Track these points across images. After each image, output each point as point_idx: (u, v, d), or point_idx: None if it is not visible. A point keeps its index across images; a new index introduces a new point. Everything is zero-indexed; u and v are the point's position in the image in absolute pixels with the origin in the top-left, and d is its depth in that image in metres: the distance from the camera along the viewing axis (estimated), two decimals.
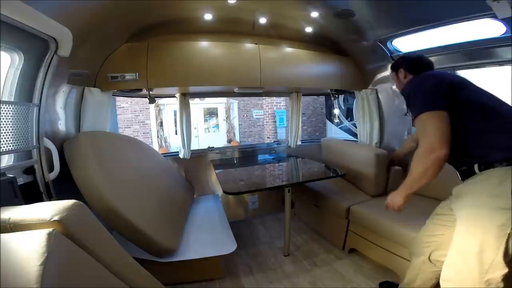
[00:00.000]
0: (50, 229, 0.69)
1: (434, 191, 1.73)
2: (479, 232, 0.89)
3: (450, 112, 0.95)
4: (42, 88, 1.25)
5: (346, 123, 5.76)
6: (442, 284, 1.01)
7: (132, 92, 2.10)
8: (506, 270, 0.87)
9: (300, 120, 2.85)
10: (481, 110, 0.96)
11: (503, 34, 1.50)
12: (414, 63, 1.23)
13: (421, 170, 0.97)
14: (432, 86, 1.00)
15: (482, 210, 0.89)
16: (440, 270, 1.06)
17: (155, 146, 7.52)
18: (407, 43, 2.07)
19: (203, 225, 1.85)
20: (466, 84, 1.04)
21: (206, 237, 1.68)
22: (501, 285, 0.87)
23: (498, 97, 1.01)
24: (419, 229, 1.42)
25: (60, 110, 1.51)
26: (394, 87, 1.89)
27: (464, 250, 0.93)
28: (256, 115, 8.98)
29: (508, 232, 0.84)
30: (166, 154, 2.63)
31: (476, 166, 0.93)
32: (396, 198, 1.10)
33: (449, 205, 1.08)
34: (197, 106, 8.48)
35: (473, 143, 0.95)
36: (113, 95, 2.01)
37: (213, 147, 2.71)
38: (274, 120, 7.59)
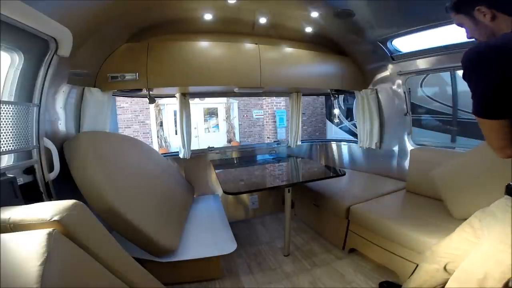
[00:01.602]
0: (50, 229, 0.69)
1: (432, 191, 1.73)
2: (490, 263, 0.87)
3: None
4: (42, 88, 1.25)
5: (346, 123, 5.76)
6: None
7: (132, 92, 2.09)
8: None
9: (300, 120, 2.85)
10: None
11: None
12: None
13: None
14: (503, 80, 0.67)
15: (504, 246, 0.83)
16: None
17: (155, 146, 7.52)
18: (407, 43, 2.07)
19: (203, 225, 1.85)
20: None
21: (206, 237, 1.68)
22: None
23: None
24: (418, 229, 1.44)
25: (60, 110, 1.51)
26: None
27: (471, 272, 0.92)
28: (256, 115, 8.98)
29: None
30: (166, 154, 2.63)
31: None
32: None
33: (481, 216, 0.99)
34: (197, 106, 8.48)
35: None
36: (113, 95, 2.01)
37: (213, 147, 2.70)
38: (274, 120, 7.58)
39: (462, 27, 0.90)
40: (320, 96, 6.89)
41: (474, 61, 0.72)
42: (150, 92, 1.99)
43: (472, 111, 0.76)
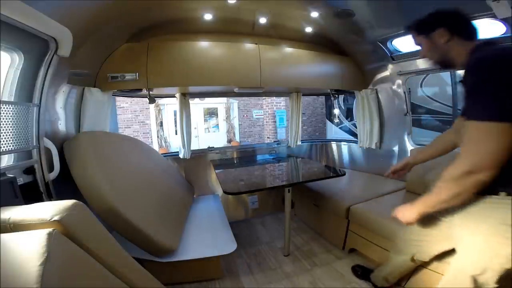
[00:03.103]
0: (50, 229, 0.69)
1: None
2: (480, 256, 0.87)
3: None
4: (42, 88, 1.25)
5: (346, 123, 5.76)
6: None
7: (132, 92, 2.09)
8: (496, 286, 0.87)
9: (300, 120, 2.85)
10: None
11: (503, 34, 1.50)
12: (463, 21, 0.90)
13: (454, 192, 0.81)
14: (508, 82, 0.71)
15: (501, 238, 0.82)
16: (418, 266, 1.20)
17: (155, 146, 7.52)
18: (407, 43, 2.07)
19: (203, 225, 1.85)
20: None
21: (206, 237, 1.68)
22: None
23: None
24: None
25: (60, 110, 1.51)
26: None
27: (462, 270, 0.93)
28: (256, 115, 8.98)
29: None
30: (166, 154, 2.63)
31: (504, 192, 0.80)
32: (407, 214, 1.00)
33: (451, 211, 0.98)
34: (197, 106, 8.48)
35: None
36: (113, 95, 2.00)
37: (213, 147, 2.70)
38: (274, 120, 7.59)
39: (420, 46, 1.00)
40: (320, 96, 6.89)
41: (484, 73, 0.73)
42: (150, 92, 1.99)
43: (474, 116, 0.75)
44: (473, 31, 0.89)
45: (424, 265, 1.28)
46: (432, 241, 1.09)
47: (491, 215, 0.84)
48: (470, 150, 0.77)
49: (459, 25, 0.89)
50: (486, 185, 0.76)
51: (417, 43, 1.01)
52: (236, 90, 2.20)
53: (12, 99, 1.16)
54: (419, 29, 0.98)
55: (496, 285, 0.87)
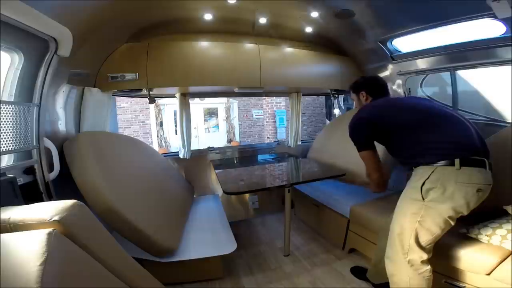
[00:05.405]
0: (50, 229, 0.69)
1: None
2: (400, 216, 1.11)
3: (389, 132, 1.22)
4: (42, 88, 1.25)
5: None
6: (385, 260, 1.19)
7: (132, 92, 2.09)
8: (424, 254, 1.04)
9: (300, 120, 2.85)
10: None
11: (503, 34, 1.50)
12: (375, 87, 1.44)
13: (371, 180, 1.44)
14: (363, 130, 1.28)
15: (405, 199, 1.13)
16: None
17: (155, 146, 7.52)
18: (407, 43, 2.07)
19: (203, 225, 1.85)
20: (396, 111, 1.24)
21: (206, 237, 1.68)
22: (424, 267, 1.05)
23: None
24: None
25: (60, 110, 1.51)
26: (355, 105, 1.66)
27: (393, 232, 1.13)
28: (256, 115, 8.97)
29: (418, 220, 1.03)
30: (166, 154, 2.63)
31: (413, 167, 1.16)
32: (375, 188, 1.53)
33: None
34: (197, 106, 8.47)
35: (408, 153, 1.19)
36: (113, 95, 2.01)
37: (213, 147, 2.70)
38: (274, 120, 7.59)
39: (353, 100, 1.55)
40: (320, 96, 6.89)
41: (350, 126, 1.32)
42: (150, 92, 1.99)
43: (356, 148, 1.31)
44: (381, 91, 1.42)
45: None
46: None
47: (408, 183, 1.14)
48: (365, 164, 1.33)
49: (374, 89, 1.43)
50: (379, 181, 1.34)
51: (352, 98, 1.54)
52: (236, 90, 2.20)
53: (12, 99, 1.16)
54: (353, 90, 1.50)
55: (423, 253, 1.03)
